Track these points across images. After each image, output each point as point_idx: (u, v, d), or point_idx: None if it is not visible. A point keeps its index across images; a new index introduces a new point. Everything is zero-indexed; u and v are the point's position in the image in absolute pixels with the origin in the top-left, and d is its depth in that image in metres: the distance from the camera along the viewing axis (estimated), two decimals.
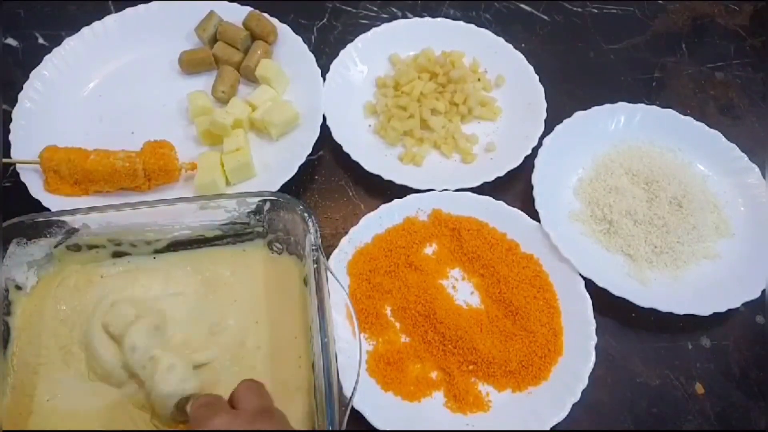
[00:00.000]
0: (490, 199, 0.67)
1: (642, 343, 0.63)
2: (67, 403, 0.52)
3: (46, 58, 0.74)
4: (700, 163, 0.74)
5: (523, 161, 0.71)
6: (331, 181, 0.72)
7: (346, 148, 0.70)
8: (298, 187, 0.70)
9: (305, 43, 0.78)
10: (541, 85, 0.76)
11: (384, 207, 0.66)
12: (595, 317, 0.60)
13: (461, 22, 0.82)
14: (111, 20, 0.78)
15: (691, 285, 0.65)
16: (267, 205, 0.57)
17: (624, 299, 0.62)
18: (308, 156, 0.69)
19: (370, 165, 0.69)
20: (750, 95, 0.84)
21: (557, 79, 0.79)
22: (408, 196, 0.67)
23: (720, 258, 0.67)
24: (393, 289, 0.62)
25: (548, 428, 0.55)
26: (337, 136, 0.71)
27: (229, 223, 0.59)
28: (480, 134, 0.75)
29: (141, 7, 0.79)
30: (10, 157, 0.67)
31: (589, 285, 0.62)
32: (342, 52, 0.78)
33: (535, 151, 0.71)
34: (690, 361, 0.62)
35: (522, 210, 0.66)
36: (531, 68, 0.78)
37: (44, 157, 0.65)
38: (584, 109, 0.75)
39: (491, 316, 0.61)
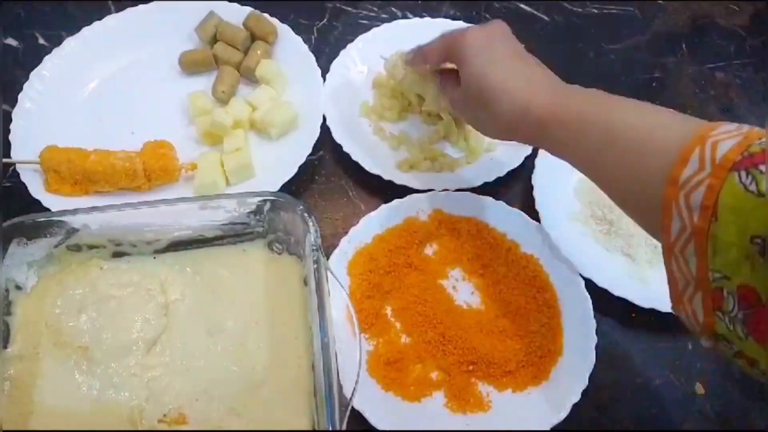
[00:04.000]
0: (490, 199, 0.67)
1: (642, 343, 0.63)
2: (67, 403, 0.52)
3: (46, 58, 0.74)
4: None
5: (523, 161, 0.71)
6: (331, 181, 0.72)
7: (346, 149, 0.70)
8: (298, 187, 0.70)
9: (305, 43, 0.78)
10: None
11: (384, 207, 0.66)
12: (595, 317, 0.60)
13: (461, 22, 0.82)
14: (111, 20, 0.78)
15: None
16: (267, 206, 0.57)
17: (624, 299, 0.62)
18: (308, 156, 0.69)
19: (370, 165, 0.69)
20: (750, 95, 0.84)
21: None
22: (408, 196, 0.67)
23: None
24: (393, 289, 0.62)
25: (548, 428, 0.55)
26: (337, 136, 0.71)
27: (229, 224, 0.59)
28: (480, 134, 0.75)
29: (141, 7, 0.79)
30: (10, 157, 0.67)
31: (590, 285, 0.62)
32: (342, 53, 0.78)
33: (535, 151, 0.71)
34: (690, 361, 0.62)
35: (522, 210, 0.66)
36: None
37: (44, 157, 0.65)
38: None
39: (491, 316, 0.61)
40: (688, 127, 0.42)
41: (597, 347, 0.58)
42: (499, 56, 0.54)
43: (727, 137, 0.39)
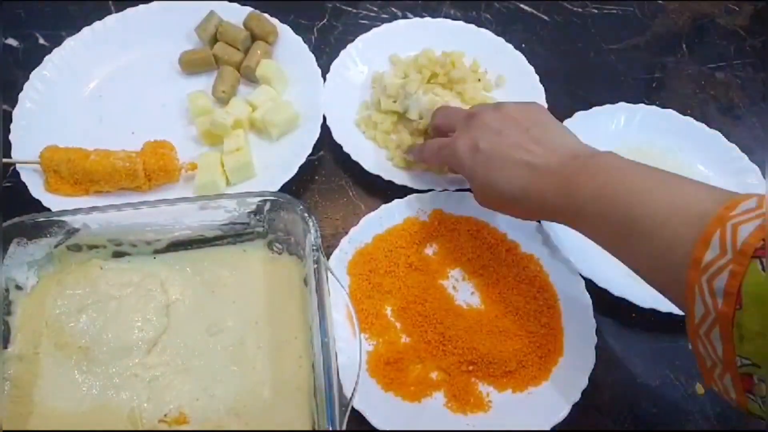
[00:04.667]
0: None
1: (642, 343, 0.63)
2: (67, 403, 0.52)
3: (47, 58, 0.74)
4: (701, 164, 0.74)
5: None
6: (331, 181, 0.72)
7: (346, 149, 0.70)
8: (298, 187, 0.70)
9: (305, 43, 0.78)
10: (541, 85, 0.76)
11: (384, 207, 0.66)
12: (595, 317, 0.60)
13: (461, 22, 0.82)
14: (111, 20, 0.78)
15: None
16: (267, 205, 0.57)
17: (624, 299, 0.62)
18: (308, 156, 0.69)
19: (370, 165, 0.69)
20: (750, 95, 0.84)
21: (557, 79, 0.79)
22: (408, 196, 0.67)
23: None
24: (393, 290, 0.62)
25: (548, 428, 0.55)
26: (337, 136, 0.71)
27: (229, 224, 0.59)
28: None
29: (141, 7, 0.79)
30: (10, 157, 0.67)
31: (589, 285, 0.62)
32: (342, 53, 0.78)
33: None
34: (690, 361, 0.62)
35: None
36: (531, 68, 0.78)
37: (44, 157, 0.65)
38: (584, 109, 0.75)
39: (491, 316, 0.61)
40: (708, 204, 0.41)
41: (597, 347, 0.58)
42: (493, 155, 0.54)
43: (747, 219, 0.38)
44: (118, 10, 0.79)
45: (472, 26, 0.82)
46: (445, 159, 0.61)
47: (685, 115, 0.76)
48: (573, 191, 0.49)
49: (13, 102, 0.71)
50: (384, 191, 0.69)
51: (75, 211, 0.55)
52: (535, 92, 0.76)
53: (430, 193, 0.67)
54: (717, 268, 0.38)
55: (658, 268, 0.44)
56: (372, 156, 0.71)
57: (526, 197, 0.53)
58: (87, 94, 0.75)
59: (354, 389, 0.49)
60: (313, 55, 0.76)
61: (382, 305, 0.62)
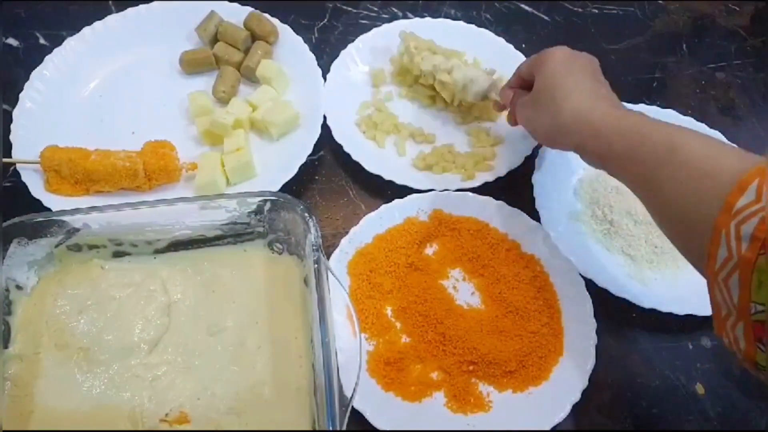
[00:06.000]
0: (490, 199, 0.67)
1: (642, 343, 0.63)
2: (68, 403, 0.52)
3: (47, 58, 0.74)
4: None
5: (523, 161, 0.71)
6: (331, 181, 0.72)
7: (346, 148, 0.70)
8: (298, 187, 0.70)
9: (306, 43, 0.78)
10: None
11: (384, 207, 0.66)
12: (595, 317, 0.60)
13: (461, 22, 0.82)
14: (112, 20, 0.78)
15: (691, 285, 0.65)
16: (267, 205, 0.57)
17: (624, 299, 0.62)
18: (309, 156, 0.69)
19: (371, 165, 0.69)
20: (750, 95, 0.84)
21: None
22: (408, 196, 0.67)
23: None
24: (393, 290, 0.62)
25: (548, 428, 0.55)
26: (338, 136, 0.71)
27: (229, 223, 0.59)
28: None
29: (142, 7, 0.79)
30: (10, 157, 0.67)
31: (590, 285, 0.62)
32: (342, 53, 0.78)
33: (535, 151, 0.71)
34: (690, 361, 0.62)
35: (522, 210, 0.66)
36: None
37: (45, 157, 0.65)
38: None
39: (492, 316, 0.61)
40: (750, 160, 0.42)
41: (597, 347, 0.58)
42: (577, 70, 0.57)
43: None
44: (118, 10, 0.79)
45: (472, 26, 0.82)
46: (534, 60, 0.61)
47: (685, 115, 0.76)
48: (619, 126, 0.51)
49: (13, 102, 0.71)
50: (384, 191, 0.69)
51: (75, 211, 0.55)
52: None
53: (430, 193, 0.67)
54: (748, 213, 0.39)
55: (687, 207, 0.44)
56: (372, 156, 0.71)
57: (575, 118, 0.54)
58: (87, 94, 0.75)
59: (354, 389, 0.49)
60: (313, 55, 0.76)
61: (383, 305, 0.62)
